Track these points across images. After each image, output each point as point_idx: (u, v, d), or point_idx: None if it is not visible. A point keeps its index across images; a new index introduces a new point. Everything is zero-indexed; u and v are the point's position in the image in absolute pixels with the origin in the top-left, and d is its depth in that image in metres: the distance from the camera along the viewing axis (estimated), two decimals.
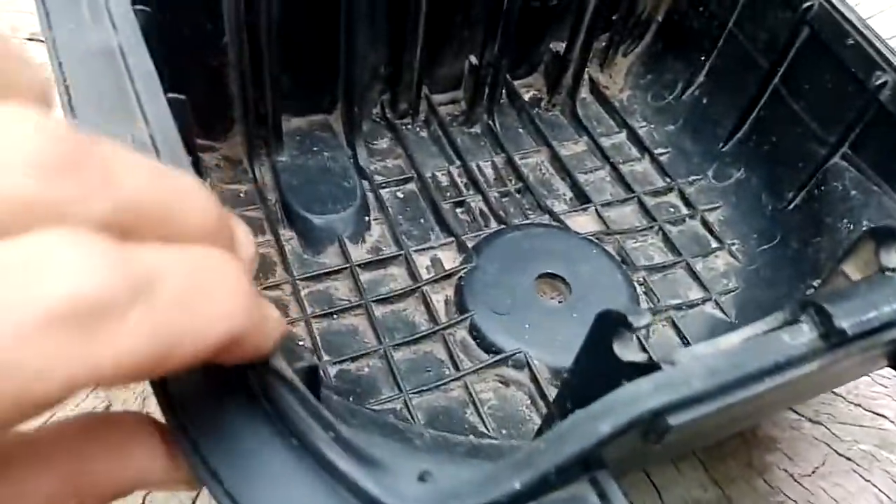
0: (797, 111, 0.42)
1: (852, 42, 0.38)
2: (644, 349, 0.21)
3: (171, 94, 0.27)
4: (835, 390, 0.43)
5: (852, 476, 0.40)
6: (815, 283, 0.37)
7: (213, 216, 0.13)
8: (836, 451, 0.41)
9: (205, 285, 0.12)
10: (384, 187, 0.44)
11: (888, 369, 0.30)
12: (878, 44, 0.37)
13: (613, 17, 0.50)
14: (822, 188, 0.41)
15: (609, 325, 0.22)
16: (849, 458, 0.41)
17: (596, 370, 0.23)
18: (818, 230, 0.40)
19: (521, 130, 0.49)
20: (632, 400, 0.19)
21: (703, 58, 0.48)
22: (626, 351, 0.22)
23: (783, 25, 0.42)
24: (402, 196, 0.44)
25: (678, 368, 0.20)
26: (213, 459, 0.17)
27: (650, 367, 0.21)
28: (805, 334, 0.21)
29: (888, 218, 0.37)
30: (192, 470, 0.17)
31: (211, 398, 0.18)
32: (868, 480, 0.40)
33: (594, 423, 0.18)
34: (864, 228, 0.37)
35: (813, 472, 0.40)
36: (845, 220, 0.38)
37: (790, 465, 0.40)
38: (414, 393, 0.34)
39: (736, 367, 0.20)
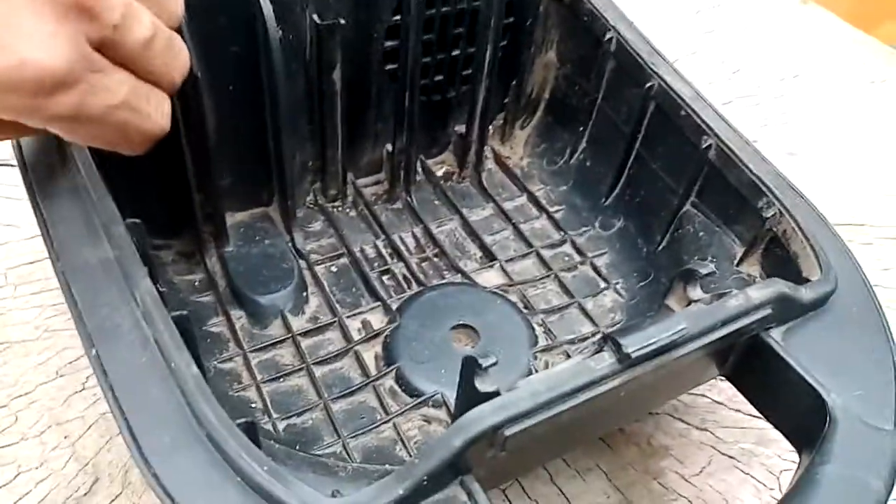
0: (655, 169, 0.51)
1: (685, 113, 0.47)
2: (493, 382, 0.29)
3: (128, 220, 0.34)
4: (717, 399, 0.51)
5: (734, 472, 0.48)
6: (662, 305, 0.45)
7: None
8: (719, 451, 0.48)
9: None
10: (319, 264, 0.51)
11: None
12: (704, 113, 0.46)
13: (505, 101, 0.59)
14: (679, 231, 0.49)
15: (470, 367, 0.30)
16: (731, 457, 0.48)
17: (467, 400, 0.30)
18: (679, 266, 0.48)
19: (436, 202, 0.57)
20: (477, 419, 0.26)
21: (582, 128, 0.57)
22: (482, 384, 0.29)
23: (636, 100, 0.51)
24: (335, 270, 0.52)
25: (512, 393, 0.27)
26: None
27: (496, 394, 0.28)
28: (604, 360, 0.29)
29: (727, 252, 0.45)
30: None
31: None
32: (748, 474, 0.47)
33: (451, 439, 0.26)
34: (710, 261, 0.46)
35: (700, 472, 0.47)
36: (696, 257, 0.47)
37: (681, 468, 0.47)
38: (350, 437, 0.41)
39: (553, 389, 0.28)
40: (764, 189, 0.42)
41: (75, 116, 0.27)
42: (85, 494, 0.42)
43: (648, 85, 0.49)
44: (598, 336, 0.30)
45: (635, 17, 0.53)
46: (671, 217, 0.49)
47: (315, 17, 0.46)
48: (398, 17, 0.49)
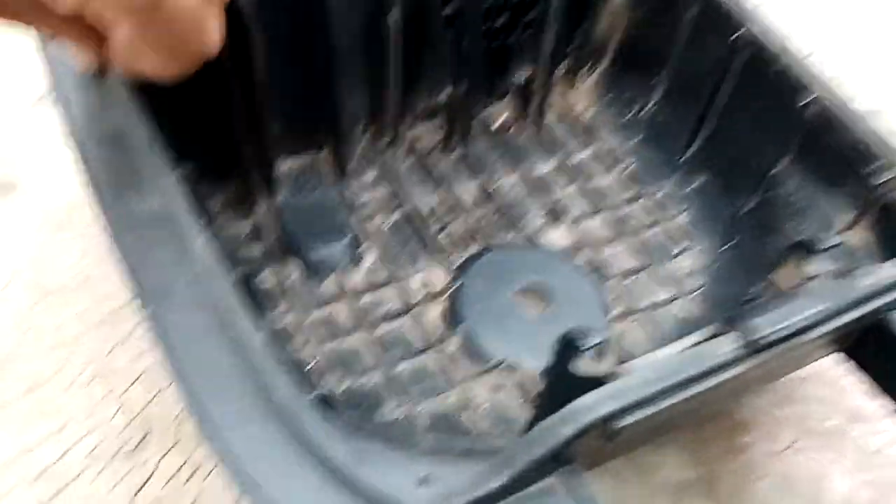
0: (742, 125, 0.46)
1: (779, 67, 0.42)
2: (599, 362, 0.26)
3: (180, 169, 0.31)
4: (800, 375, 0.47)
5: (824, 450, 0.44)
6: (765, 281, 0.41)
7: None
8: (808, 428, 0.45)
9: None
10: (373, 217, 0.48)
11: None
12: (800, 68, 0.42)
13: (570, 47, 0.54)
14: (770, 192, 0.45)
15: (569, 346, 0.27)
16: (820, 434, 0.45)
17: (561, 382, 0.27)
18: (768, 231, 0.44)
19: (494, 155, 0.53)
20: (587, 408, 0.23)
21: (655, 78, 0.52)
22: (584, 367, 0.26)
23: (721, 50, 0.46)
24: (389, 224, 0.48)
25: (623, 381, 0.24)
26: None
27: (602, 380, 0.25)
28: (727, 345, 0.25)
29: (826, 220, 0.41)
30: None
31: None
32: (839, 450, 0.44)
33: (558, 429, 0.23)
34: (804, 230, 0.42)
35: (787, 448, 0.44)
36: (790, 223, 0.43)
37: (766, 444, 0.44)
38: (414, 404, 0.38)
39: (670, 377, 0.24)
40: (874, 154, 0.38)
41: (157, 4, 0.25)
42: (135, 448, 0.40)
43: (737, 35, 0.44)
44: (716, 326, 0.26)
45: None
46: (760, 178, 0.45)
47: None
48: None
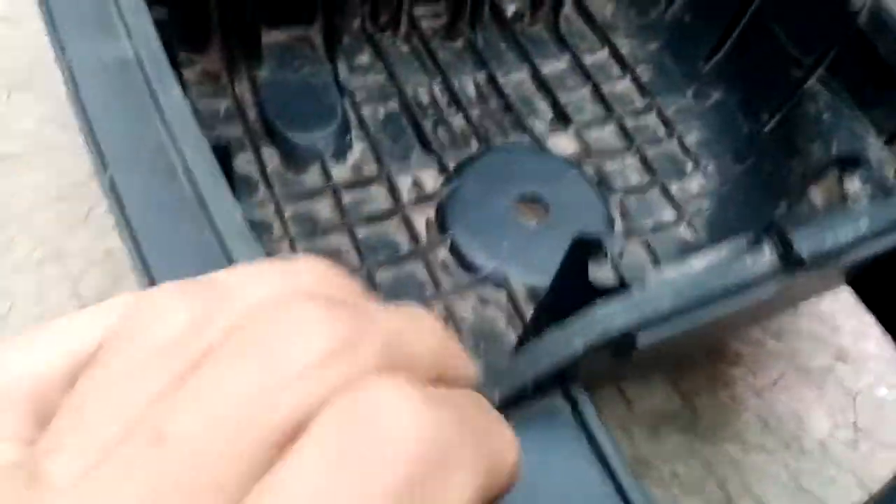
0: (776, 32, 0.42)
1: None
2: (616, 271, 0.23)
3: (155, 9, 0.26)
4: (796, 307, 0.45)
5: (808, 389, 0.43)
6: (783, 205, 0.38)
7: (443, 340, 0.12)
8: (795, 365, 0.43)
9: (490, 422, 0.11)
10: (366, 104, 0.44)
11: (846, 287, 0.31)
12: None
13: None
14: (797, 110, 0.41)
15: (584, 250, 0.23)
16: (807, 371, 0.43)
17: (571, 291, 0.24)
18: (790, 152, 0.41)
19: (503, 46, 0.49)
20: (603, 319, 0.20)
21: None
22: (599, 274, 0.23)
23: None
24: (383, 113, 0.44)
25: (647, 291, 0.21)
26: None
27: (621, 288, 0.22)
28: (766, 258, 0.22)
29: (858, 142, 0.38)
30: None
31: None
32: (822, 390, 0.43)
33: (568, 340, 0.20)
34: (833, 152, 0.39)
35: (773, 384, 0.43)
36: (816, 143, 0.39)
37: (751, 378, 0.42)
38: None
39: (701, 289, 0.21)
40: None
41: None
42: None
43: None
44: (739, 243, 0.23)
45: None
46: (789, 92, 0.41)
47: None
48: None
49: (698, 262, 0.23)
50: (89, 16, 0.26)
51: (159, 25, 0.26)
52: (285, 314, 0.10)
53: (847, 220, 0.23)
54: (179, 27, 0.40)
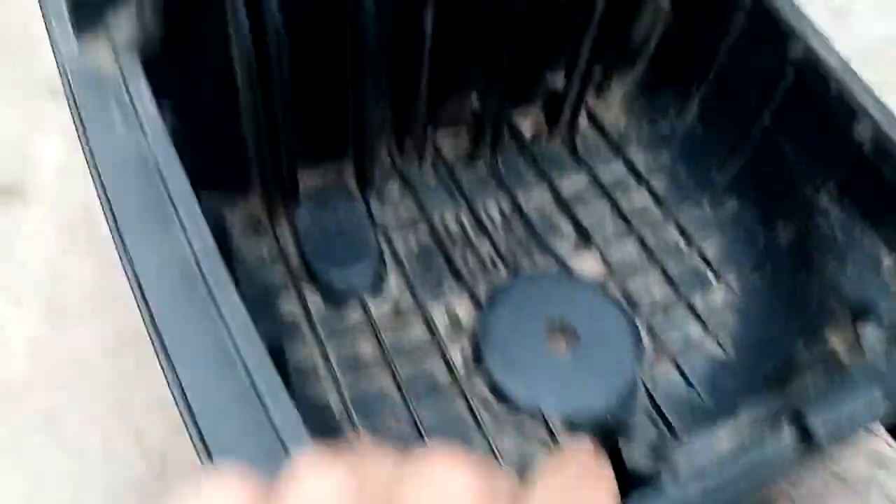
0: (786, 149, 0.44)
1: (834, 90, 0.40)
2: (645, 458, 0.24)
3: (204, 204, 0.29)
4: None
5: (850, 498, 0.43)
6: (800, 343, 0.39)
7: None
8: (833, 474, 0.44)
9: None
10: (397, 236, 0.46)
11: None
12: (859, 92, 0.39)
13: (607, 52, 0.52)
14: (810, 225, 0.43)
15: (613, 432, 0.25)
16: (845, 479, 0.44)
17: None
18: (808, 266, 0.43)
19: (523, 166, 0.51)
20: None
21: (694, 89, 0.50)
22: (633, 458, 0.25)
23: (769, 67, 0.43)
24: (415, 244, 0.46)
25: (676, 480, 0.23)
26: None
27: (648, 478, 0.23)
28: (785, 442, 0.24)
29: (872, 260, 0.40)
30: None
31: None
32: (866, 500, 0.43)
33: None
34: (849, 269, 0.40)
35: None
36: (833, 261, 0.41)
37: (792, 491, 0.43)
38: None
39: (724, 471, 0.23)
40: None
41: None
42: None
43: (790, 51, 0.42)
44: (780, 408, 0.24)
45: None
46: (801, 206, 0.43)
47: None
48: None
49: (721, 440, 0.24)
50: (148, 211, 0.29)
51: (210, 210, 0.29)
52: None
53: (864, 390, 0.25)
54: (221, 173, 0.43)
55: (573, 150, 0.52)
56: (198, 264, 0.27)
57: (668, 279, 0.46)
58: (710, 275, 0.46)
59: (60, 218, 0.47)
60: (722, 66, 0.48)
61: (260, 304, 0.41)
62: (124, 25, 0.32)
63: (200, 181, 0.33)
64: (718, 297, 0.46)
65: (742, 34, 0.45)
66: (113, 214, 0.29)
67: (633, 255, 0.47)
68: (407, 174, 0.49)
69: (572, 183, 0.51)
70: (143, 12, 0.32)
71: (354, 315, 0.43)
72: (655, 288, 0.46)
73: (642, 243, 0.48)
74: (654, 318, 0.44)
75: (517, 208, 0.49)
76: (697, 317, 0.44)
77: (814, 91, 0.41)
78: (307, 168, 0.47)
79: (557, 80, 0.52)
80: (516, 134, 0.52)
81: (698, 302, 0.45)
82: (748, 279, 0.46)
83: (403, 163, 0.49)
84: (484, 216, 0.48)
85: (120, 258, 0.29)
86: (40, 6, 0.34)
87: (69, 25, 0.31)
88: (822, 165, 0.42)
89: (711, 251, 0.47)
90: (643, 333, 0.43)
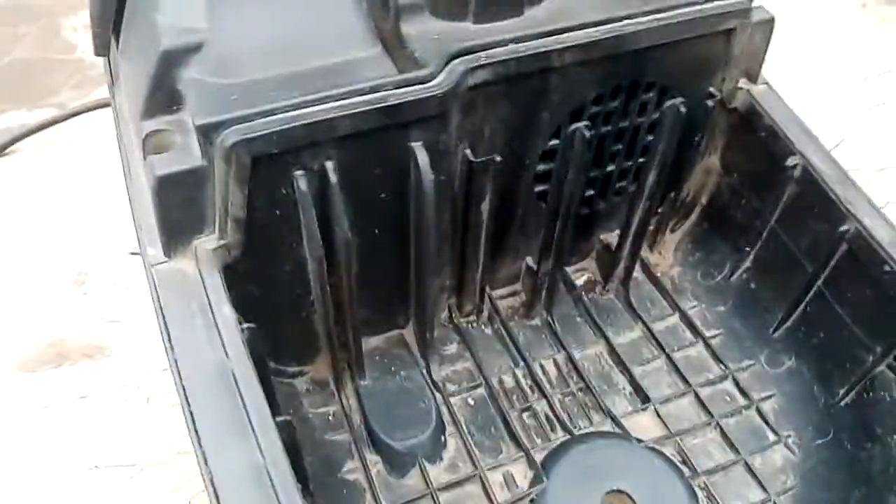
0: (842, 315, 0.44)
1: (889, 268, 0.40)
2: None
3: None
4: None
5: None
6: (871, 491, 0.38)
7: None
8: None
9: None
10: (455, 396, 0.48)
11: None
12: None
13: (660, 209, 0.53)
14: (870, 394, 0.43)
15: None
16: None
17: None
18: (870, 436, 0.42)
19: (578, 320, 0.53)
20: None
21: (748, 246, 0.50)
22: None
23: (823, 237, 0.44)
24: (472, 403, 0.48)
25: None
26: None
27: None
28: None
29: None
30: None
31: None
32: None
33: None
34: None
35: None
36: (892, 428, 0.41)
37: None
38: None
39: None
40: None
41: None
42: None
43: (842, 228, 0.42)
44: None
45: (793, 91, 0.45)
46: (861, 374, 0.43)
47: (469, 153, 0.42)
48: (554, 142, 0.45)
49: None
50: (226, 423, 0.32)
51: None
52: None
53: None
54: (292, 346, 0.46)
55: (627, 302, 0.54)
56: (269, 475, 0.30)
57: (726, 438, 0.46)
58: (769, 433, 0.46)
59: None
60: (775, 228, 0.48)
61: (324, 473, 0.44)
62: (208, 242, 0.36)
63: (272, 353, 0.36)
64: (778, 456, 0.45)
65: (793, 202, 0.46)
66: (195, 424, 0.32)
67: (689, 413, 0.48)
68: (464, 333, 0.51)
69: (627, 335, 0.52)
70: (226, 233, 0.36)
71: (415, 480, 0.44)
72: (713, 447, 0.46)
73: (699, 400, 0.48)
74: (712, 481, 0.44)
75: (572, 364, 0.50)
76: (756, 478, 0.44)
77: (868, 266, 0.41)
78: (371, 334, 0.49)
79: (612, 238, 0.54)
80: (570, 286, 0.54)
81: (757, 462, 0.45)
82: (809, 438, 0.45)
83: (461, 318, 0.52)
84: (539, 372, 0.49)
85: (199, 465, 0.31)
86: (132, 217, 0.38)
87: (160, 245, 0.35)
88: (882, 337, 0.42)
89: (769, 407, 0.47)
90: (701, 497, 0.43)
